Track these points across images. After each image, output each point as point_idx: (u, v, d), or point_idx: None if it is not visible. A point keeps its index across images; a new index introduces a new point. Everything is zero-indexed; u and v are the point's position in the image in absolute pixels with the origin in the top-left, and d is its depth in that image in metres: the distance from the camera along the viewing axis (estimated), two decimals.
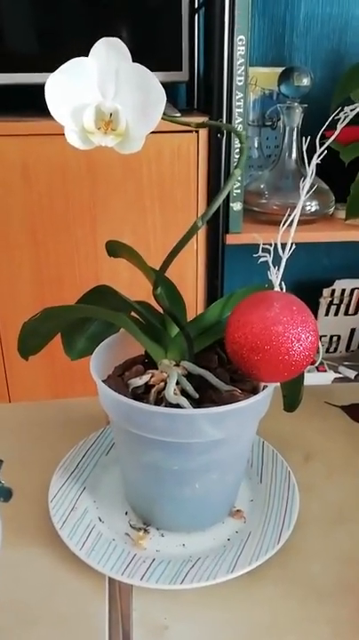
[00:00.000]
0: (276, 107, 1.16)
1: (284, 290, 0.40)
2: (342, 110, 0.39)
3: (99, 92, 0.36)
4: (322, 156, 0.38)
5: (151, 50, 1.02)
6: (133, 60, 0.35)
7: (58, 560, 0.41)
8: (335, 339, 1.46)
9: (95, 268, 1.04)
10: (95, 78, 0.35)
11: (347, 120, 0.39)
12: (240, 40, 0.93)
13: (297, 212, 0.39)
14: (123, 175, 0.98)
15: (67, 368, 1.09)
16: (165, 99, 0.34)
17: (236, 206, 1.05)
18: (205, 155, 0.99)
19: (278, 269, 0.39)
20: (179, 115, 0.98)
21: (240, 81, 0.96)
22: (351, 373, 1.37)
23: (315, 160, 0.39)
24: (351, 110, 0.39)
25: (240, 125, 0.99)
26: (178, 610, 0.38)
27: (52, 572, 0.40)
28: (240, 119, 0.99)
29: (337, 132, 0.38)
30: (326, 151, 0.38)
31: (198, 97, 1.18)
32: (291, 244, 0.39)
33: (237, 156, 1.00)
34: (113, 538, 0.42)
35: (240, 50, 0.94)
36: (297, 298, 0.37)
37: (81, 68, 0.35)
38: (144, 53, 0.99)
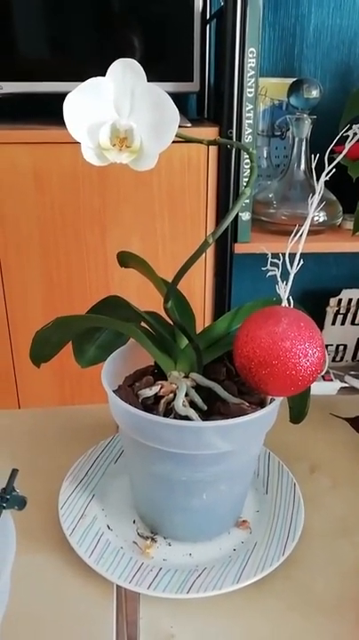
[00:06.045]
0: (286, 117, 1.17)
1: (292, 304, 0.40)
2: (351, 128, 0.40)
3: (115, 110, 0.37)
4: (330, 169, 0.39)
5: (163, 61, 1.03)
6: (146, 70, 0.35)
7: (67, 566, 0.42)
8: (341, 348, 1.47)
9: (105, 276, 1.05)
10: (111, 97, 0.36)
11: (356, 139, 0.40)
12: (251, 52, 0.94)
13: (305, 228, 0.40)
14: (133, 183, 0.99)
15: (76, 375, 1.10)
16: (179, 119, 0.35)
17: (245, 216, 1.06)
18: (215, 164, 1.00)
19: (286, 284, 0.40)
20: (189, 125, 0.99)
21: (250, 92, 0.97)
22: (357, 383, 1.38)
23: (324, 178, 0.39)
24: None
25: (249, 136, 1.00)
26: (184, 618, 0.38)
27: (61, 578, 0.41)
28: (250, 130, 1.00)
29: (345, 151, 0.39)
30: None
31: (209, 107, 1.19)
32: (299, 258, 0.40)
33: (247, 168, 1.01)
34: (121, 546, 0.43)
35: (251, 62, 0.95)
36: (304, 313, 0.38)
37: (98, 88, 0.36)
38: (156, 64, 1.02)
